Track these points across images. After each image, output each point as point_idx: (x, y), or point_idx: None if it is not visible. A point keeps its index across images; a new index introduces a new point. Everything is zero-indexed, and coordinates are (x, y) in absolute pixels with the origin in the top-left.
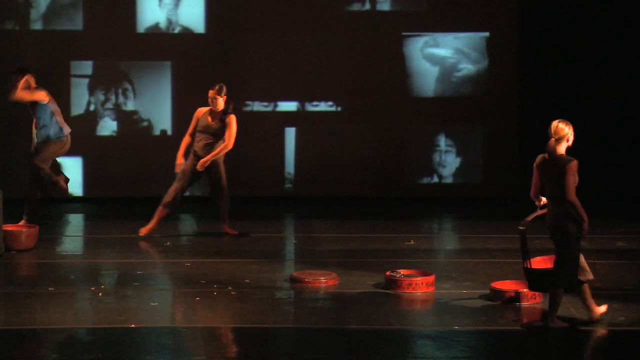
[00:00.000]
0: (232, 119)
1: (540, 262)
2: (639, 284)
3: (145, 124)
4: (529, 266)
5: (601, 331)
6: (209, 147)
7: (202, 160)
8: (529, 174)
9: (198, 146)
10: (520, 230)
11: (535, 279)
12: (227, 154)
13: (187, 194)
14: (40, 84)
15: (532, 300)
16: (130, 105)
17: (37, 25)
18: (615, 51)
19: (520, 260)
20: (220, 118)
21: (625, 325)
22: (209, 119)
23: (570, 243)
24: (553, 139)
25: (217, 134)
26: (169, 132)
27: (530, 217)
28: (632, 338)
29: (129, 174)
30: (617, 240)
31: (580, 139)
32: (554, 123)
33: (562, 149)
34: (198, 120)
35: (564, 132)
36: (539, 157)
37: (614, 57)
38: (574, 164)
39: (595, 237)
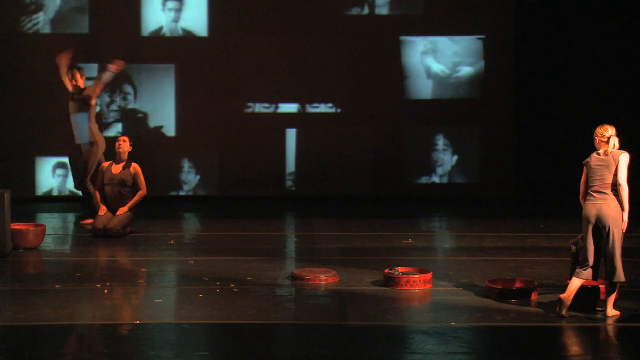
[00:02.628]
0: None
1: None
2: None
3: (149, 125)
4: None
5: (594, 325)
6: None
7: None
8: (523, 174)
9: None
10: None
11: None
12: (228, 154)
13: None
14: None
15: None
16: (134, 107)
17: (45, 29)
18: (608, 53)
19: (515, 258)
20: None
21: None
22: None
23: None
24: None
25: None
26: (173, 133)
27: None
28: (627, 333)
29: None
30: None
31: (574, 140)
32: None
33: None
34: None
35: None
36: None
37: (606, 60)
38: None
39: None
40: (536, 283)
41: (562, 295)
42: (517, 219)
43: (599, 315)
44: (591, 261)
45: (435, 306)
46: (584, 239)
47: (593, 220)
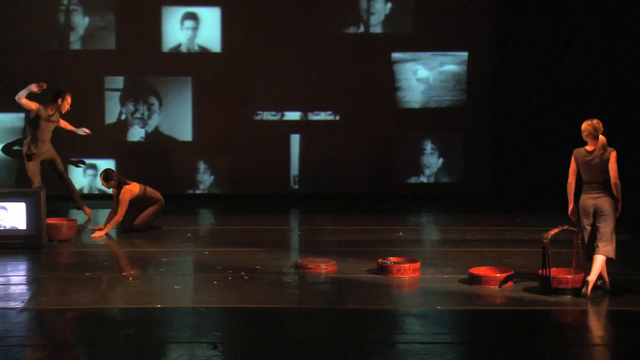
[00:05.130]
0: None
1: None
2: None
3: (168, 131)
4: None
5: (563, 308)
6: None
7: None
8: (501, 175)
9: None
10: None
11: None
12: (239, 156)
13: (206, 192)
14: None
15: (506, 285)
16: (155, 115)
17: (76, 46)
18: (582, 65)
19: (494, 249)
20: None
21: (597, 305)
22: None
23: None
24: (602, 137)
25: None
26: (190, 138)
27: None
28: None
29: (155, 173)
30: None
31: (545, 147)
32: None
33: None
34: None
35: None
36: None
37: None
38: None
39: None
40: (512, 272)
41: (588, 278)
42: (495, 215)
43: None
44: (585, 244)
45: (423, 292)
46: (583, 227)
47: (591, 211)
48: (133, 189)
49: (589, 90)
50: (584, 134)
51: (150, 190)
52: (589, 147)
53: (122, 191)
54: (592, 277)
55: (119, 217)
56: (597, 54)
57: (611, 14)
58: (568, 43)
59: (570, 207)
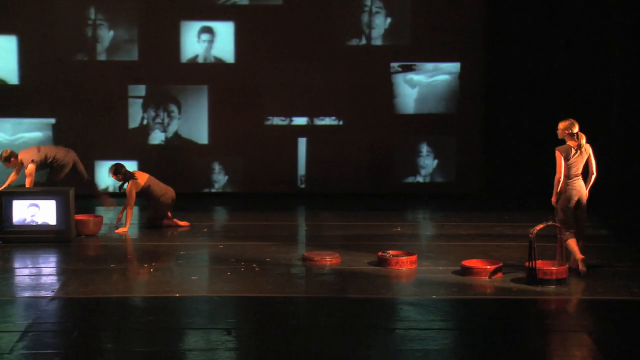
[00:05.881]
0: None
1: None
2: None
3: (186, 135)
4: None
5: (548, 297)
6: None
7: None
8: (491, 175)
9: None
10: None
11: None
12: (251, 158)
13: (220, 190)
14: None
15: (495, 276)
16: (175, 120)
17: (102, 57)
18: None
19: (484, 243)
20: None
21: (579, 294)
22: None
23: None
24: (582, 135)
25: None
26: (206, 141)
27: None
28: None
29: (173, 174)
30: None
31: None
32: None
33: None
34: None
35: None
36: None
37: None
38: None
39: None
40: (501, 264)
41: (579, 257)
42: (485, 212)
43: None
44: (574, 227)
45: (419, 282)
46: (568, 212)
47: (575, 199)
48: (139, 181)
49: (570, 98)
50: (564, 132)
51: (155, 183)
52: (572, 144)
53: (129, 184)
54: (580, 255)
55: (129, 208)
56: (579, 62)
57: (594, 24)
58: (552, 55)
59: (556, 198)
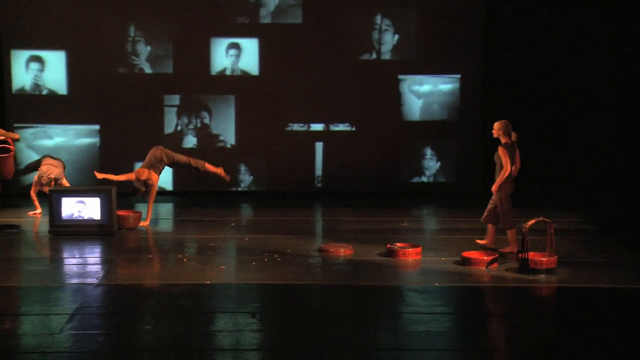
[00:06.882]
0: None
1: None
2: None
3: (216, 139)
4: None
5: (538, 285)
6: None
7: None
8: (489, 175)
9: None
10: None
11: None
12: (273, 160)
13: (246, 189)
14: None
15: (491, 266)
16: (205, 126)
17: (141, 70)
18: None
19: (483, 237)
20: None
21: (566, 282)
22: None
23: None
24: (514, 134)
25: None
26: (233, 144)
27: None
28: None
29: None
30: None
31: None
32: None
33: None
34: None
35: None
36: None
37: (551, 93)
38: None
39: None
40: (497, 255)
41: (514, 249)
42: (483, 209)
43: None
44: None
45: (423, 271)
46: (509, 203)
47: (512, 190)
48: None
49: (557, 107)
50: (500, 132)
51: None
52: (509, 142)
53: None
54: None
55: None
56: (566, 74)
57: (587, 38)
58: (545, 66)
59: (497, 187)
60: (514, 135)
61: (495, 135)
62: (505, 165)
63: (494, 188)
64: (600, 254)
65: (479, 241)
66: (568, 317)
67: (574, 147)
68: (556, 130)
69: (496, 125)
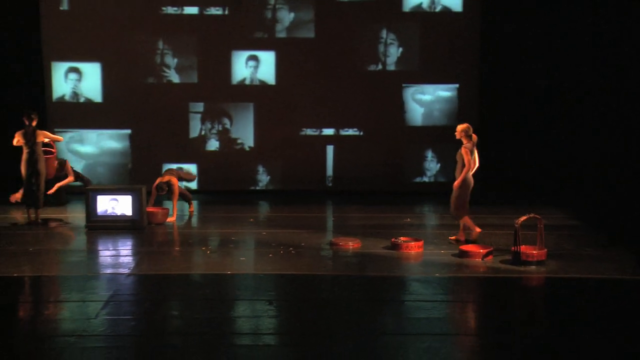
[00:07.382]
0: None
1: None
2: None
3: (236, 143)
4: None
5: (530, 276)
6: None
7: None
8: (485, 176)
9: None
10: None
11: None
12: (288, 162)
13: (263, 188)
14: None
15: (487, 258)
16: (226, 131)
17: (168, 80)
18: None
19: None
20: None
21: (555, 273)
22: None
23: None
24: (475, 136)
25: None
26: (252, 147)
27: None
28: (563, 283)
29: (225, 174)
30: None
31: (518, 155)
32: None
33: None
34: None
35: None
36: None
37: (542, 99)
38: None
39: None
40: (492, 248)
41: (477, 230)
42: (480, 206)
43: (533, 268)
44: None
45: (425, 263)
46: (467, 197)
47: (472, 187)
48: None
49: (548, 112)
50: (462, 134)
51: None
52: (470, 144)
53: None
54: (477, 228)
55: (175, 202)
56: (556, 81)
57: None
58: (539, 73)
59: (459, 184)
60: (474, 137)
61: (457, 137)
62: (467, 164)
63: (455, 184)
64: (587, 247)
65: (452, 238)
66: (556, 304)
67: (563, 150)
68: (546, 132)
69: (459, 128)
